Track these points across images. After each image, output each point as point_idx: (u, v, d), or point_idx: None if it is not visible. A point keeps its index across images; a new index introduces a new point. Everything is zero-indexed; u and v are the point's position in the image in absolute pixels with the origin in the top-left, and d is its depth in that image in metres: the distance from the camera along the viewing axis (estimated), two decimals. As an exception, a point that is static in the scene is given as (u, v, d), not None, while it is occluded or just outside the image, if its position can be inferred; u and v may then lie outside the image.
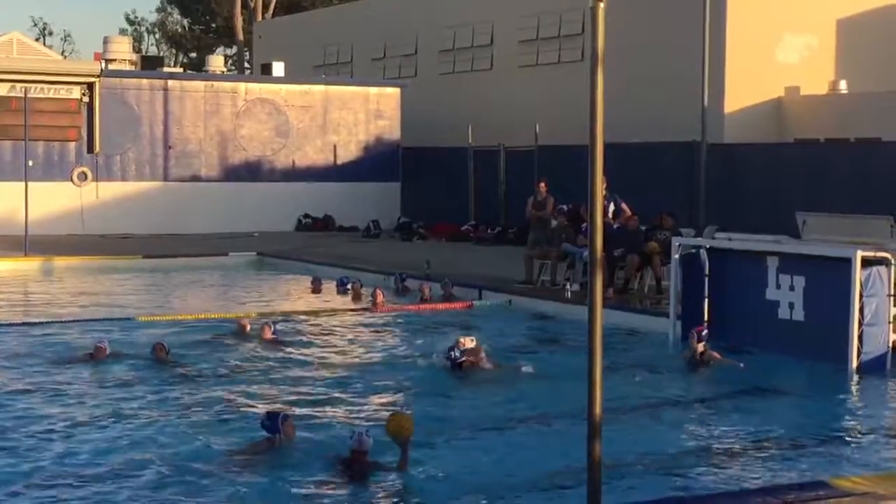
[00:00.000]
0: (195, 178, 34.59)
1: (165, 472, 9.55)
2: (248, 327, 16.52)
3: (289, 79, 37.08)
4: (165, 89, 34.30)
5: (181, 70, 48.22)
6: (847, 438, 11.22)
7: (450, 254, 27.70)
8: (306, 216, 35.67)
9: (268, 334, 15.86)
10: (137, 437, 10.68)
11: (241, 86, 36.06)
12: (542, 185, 22.59)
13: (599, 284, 5.28)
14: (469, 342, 13.66)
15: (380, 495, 9.11)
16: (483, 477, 9.54)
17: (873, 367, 13.92)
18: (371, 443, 9.47)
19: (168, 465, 9.72)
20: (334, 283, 22.44)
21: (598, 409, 5.32)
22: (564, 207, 21.62)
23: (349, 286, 21.65)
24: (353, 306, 20.24)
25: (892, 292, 14.13)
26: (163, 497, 8.98)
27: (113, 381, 13.40)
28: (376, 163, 36.72)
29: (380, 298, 19.97)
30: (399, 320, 18.83)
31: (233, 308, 19.98)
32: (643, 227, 20.73)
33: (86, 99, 32.91)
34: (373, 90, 37.48)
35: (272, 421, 10.06)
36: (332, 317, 18.99)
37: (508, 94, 36.29)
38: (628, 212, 20.66)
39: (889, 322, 14.08)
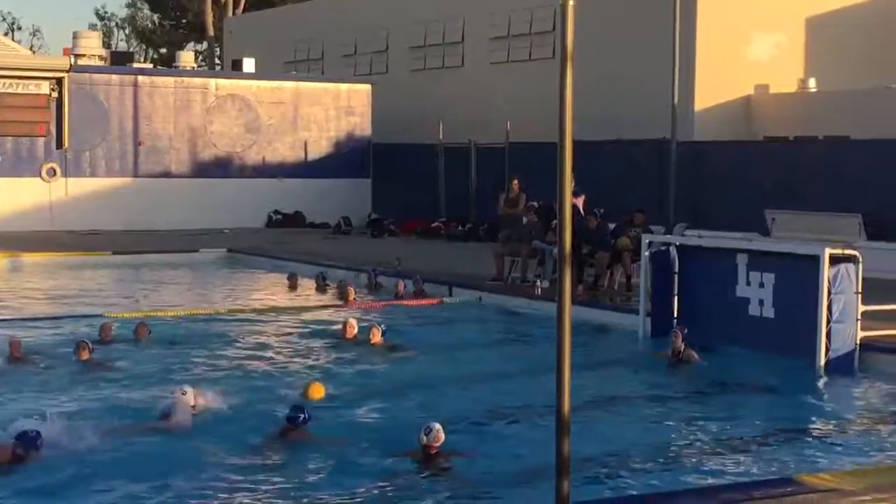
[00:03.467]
0: (165, 175, 34.44)
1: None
2: (355, 329, 15.83)
3: (259, 75, 36.98)
4: (135, 85, 34.13)
5: (151, 66, 48.00)
6: (814, 435, 11.29)
7: (420, 250, 27.70)
8: (277, 212, 35.58)
9: (377, 337, 15.35)
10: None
11: (212, 82, 35.92)
12: (515, 182, 22.60)
13: (569, 280, 5.29)
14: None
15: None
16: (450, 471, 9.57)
17: (841, 364, 14.00)
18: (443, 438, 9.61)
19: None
20: (313, 279, 22.37)
21: (566, 406, 5.33)
22: (535, 204, 21.63)
23: (328, 282, 21.66)
24: (326, 303, 20.19)
25: (859, 290, 14.21)
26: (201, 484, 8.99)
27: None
28: (347, 159, 36.66)
29: (351, 295, 19.96)
30: (370, 316, 18.80)
31: (203, 304, 19.94)
32: (612, 225, 20.78)
33: (55, 94, 32.71)
34: (343, 87, 37.41)
35: (296, 414, 10.33)
36: (303, 313, 18.93)
37: (479, 91, 36.30)
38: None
39: (857, 319, 14.16)
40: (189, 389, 11.37)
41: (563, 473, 5.43)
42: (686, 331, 14.61)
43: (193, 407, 11.14)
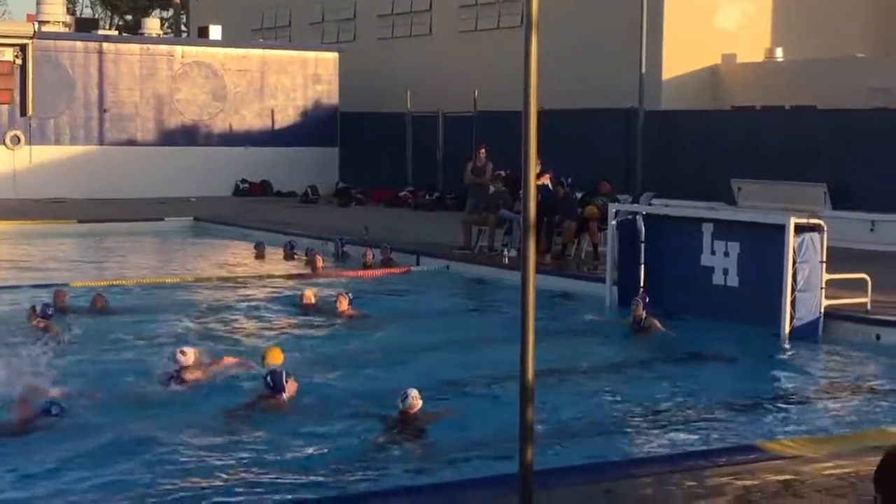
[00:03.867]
0: (131, 143, 34.22)
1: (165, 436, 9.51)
2: (312, 299, 15.96)
3: (226, 42, 36.73)
4: (100, 52, 33.84)
5: (116, 33, 47.57)
6: (778, 402, 11.37)
7: (388, 219, 27.67)
8: (244, 181, 35.43)
9: (344, 305, 15.32)
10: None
11: (178, 49, 35.65)
12: (482, 150, 22.59)
13: (532, 248, 5.28)
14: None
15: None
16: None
17: (805, 333, 14.10)
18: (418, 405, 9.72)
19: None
20: (280, 248, 22.31)
21: (530, 374, 5.34)
22: (502, 173, 21.63)
23: (296, 251, 21.62)
24: (293, 272, 20.14)
25: (824, 258, 14.30)
26: (171, 458, 9.00)
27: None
28: (314, 128, 36.52)
29: (319, 263, 19.92)
30: (339, 285, 18.77)
31: (169, 273, 19.87)
32: (579, 194, 20.82)
33: (18, 61, 32.40)
34: (311, 55, 37.22)
35: (276, 380, 10.33)
36: (271, 281, 18.88)
37: (447, 60, 36.20)
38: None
39: (821, 288, 14.26)
40: (189, 350, 11.49)
41: (526, 441, 5.45)
42: (647, 299, 14.69)
43: (196, 368, 11.27)
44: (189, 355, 11.36)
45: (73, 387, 10.93)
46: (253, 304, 16.83)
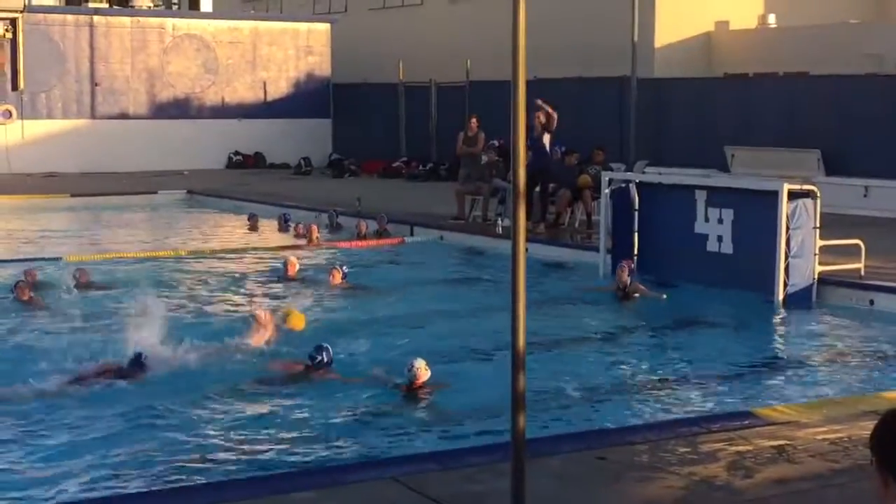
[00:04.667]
0: (123, 116, 34.13)
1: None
2: (296, 267, 16.07)
3: (217, 14, 36.74)
4: (91, 25, 33.71)
5: (107, 5, 47.37)
6: (772, 368, 11.40)
7: (381, 190, 27.65)
8: (237, 153, 35.38)
9: (337, 279, 15.36)
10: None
11: (169, 21, 35.53)
12: (474, 120, 22.53)
13: (523, 216, 5.27)
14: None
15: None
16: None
17: (799, 299, 14.12)
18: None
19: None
20: (275, 220, 22.29)
21: (521, 341, 5.33)
22: (495, 143, 21.59)
23: (290, 223, 21.62)
24: (288, 243, 20.12)
25: (817, 224, 14.30)
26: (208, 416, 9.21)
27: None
28: (307, 99, 36.43)
29: (315, 234, 19.94)
30: (336, 256, 18.76)
31: (165, 246, 19.86)
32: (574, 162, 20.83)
33: (9, 35, 32.27)
34: (303, 26, 37.10)
35: (320, 353, 10.45)
36: (265, 253, 18.86)
37: (439, 30, 36.08)
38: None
39: (815, 254, 14.26)
40: (263, 312, 11.95)
41: (518, 409, 5.45)
42: (633, 265, 14.74)
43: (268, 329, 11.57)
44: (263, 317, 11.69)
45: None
46: (245, 275, 16.83)
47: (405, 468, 7.33)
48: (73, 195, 26.79)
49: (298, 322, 12.17)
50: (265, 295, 15.27)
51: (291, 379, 10.43)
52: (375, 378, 10.34)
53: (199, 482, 7.65)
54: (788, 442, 7.86)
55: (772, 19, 30.30)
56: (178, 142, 34.11)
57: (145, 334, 10.88)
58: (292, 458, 8.36)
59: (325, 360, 10.49)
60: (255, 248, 19.45)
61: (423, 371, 9.86)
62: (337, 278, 15.29)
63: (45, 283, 15.12)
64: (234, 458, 8.34)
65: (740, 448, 7.69)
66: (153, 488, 7.53)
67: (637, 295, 14.39)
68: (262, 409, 9.66)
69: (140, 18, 35.11)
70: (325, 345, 10.67)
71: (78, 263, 16.62)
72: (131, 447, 8.55)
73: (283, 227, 21.86)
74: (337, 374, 10.51)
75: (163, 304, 12.43)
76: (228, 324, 12.88)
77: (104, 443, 8.67)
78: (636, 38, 26.43)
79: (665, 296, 14.51)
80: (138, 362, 10.31)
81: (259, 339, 11.44)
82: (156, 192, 27.63)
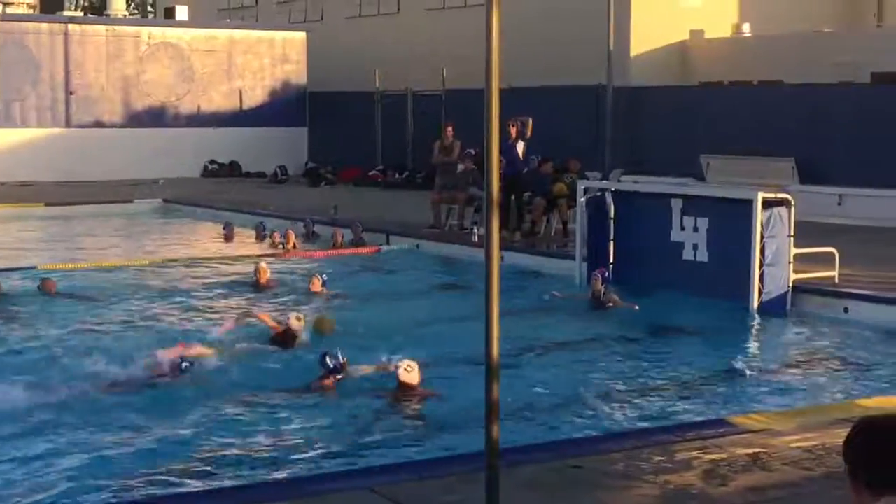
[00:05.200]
0: (98, 125, 33.99)
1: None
2: (268, 274, 16.17)
3: (193, 23, 36.53)
4: (66, 33, 33.58)
5: (82, 14, 47.26)
6: (747, 376, 11.39)
7: (357, 199, 27.62)
8: (213, 162, 35.29)
9: (317, 286, 15.39)
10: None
11: (144, 30, 35.43)
12: (449, 129, 22.55)
13: (496, 224, 5.27)
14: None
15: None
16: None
17: (774, 307, 14.17)
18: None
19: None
20: (251, 228, 22.21)
21: (495, 351, 5.33)
22: (472, 151, 21.59)
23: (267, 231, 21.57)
24: (264, 252, 20.06)
25: (791, 233, 14.36)
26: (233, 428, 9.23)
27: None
28: (283, 108, 36.39)
29: (292, 239, 19.90)
30: (312, 264, 18.72)
31: (139, 255, 19.78)
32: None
33: (-17, 43, 32.12)
34: (279, 35, 37.06)
35: (334, 361, 10.51)
36: (239, 262, 18.78)
37: (415, 38, 36.07)
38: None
39: (789, 262, 14.32)
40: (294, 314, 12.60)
41: (492, 418, 5.45)
42: (607, 274, 14.78)
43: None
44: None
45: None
46: (218, 284, 16.76)
47: (382, 478, 7.31)
48: (47, 204, 26.66)
49: (327, 328, 12.70)
50: (237, 302, 15.24)
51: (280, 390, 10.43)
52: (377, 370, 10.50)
53: (169, 492, 7.61)
54: (763, 450, 7.87)
55: (746, 28, 30.41)
56: (153, 150, 33.98)
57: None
58: (269, 468, 8.33)
59: (335, 366, 10.51)
60: (230, 258, 19.35)
61: (403, 372, 9.86)
62: (316, 286, 15.29)
63: (8, 294, 15.04)
64: (207, 469, 8.30)
65: (715, 456, 7.70)
66: (112, 500, 7.48)
67: (611, 305, 14.41)
68: (246, 417, 9.64)
69: (115, 27, 35.01)
70: (334, 352, 10.70)
71: (52, 273, 16.53)
72: (95, 456, 8.50)
73: (261, 235, 21.80)
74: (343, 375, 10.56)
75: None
76: (198, 329, 12.90)
77: (58, 453, 8.60)
78: (612, 47, 26.50)
79: (637, 307, 14.53)
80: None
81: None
82: (131, 201, 27.53)
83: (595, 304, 14.46)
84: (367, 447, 8.83)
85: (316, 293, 15.19)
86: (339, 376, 10.47)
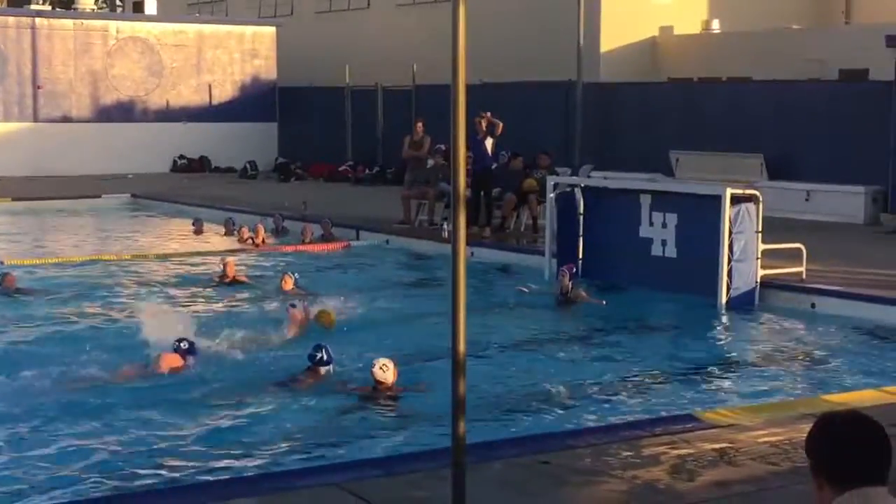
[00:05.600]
0: (66, 119, 33.78)
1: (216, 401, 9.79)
2: (234, 268, 16.12)
3: (162, 17, 36.39)
4: (33, 27, 33.34)
5: (49, 7, 46.94)
6: (714, 372, 11.45)
7: (327, 194, 27.56)
8: (182, 157, 35.12)
9: (289, 285, 15.30)
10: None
11: (113, 24, 35.22)
12: (420, 124, 22.52)
13: (462, 220, 5.26)
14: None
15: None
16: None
17: (742, 302, 14.22)
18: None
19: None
20: (219, 224, 22.11)
21: (461, 346, 5.32)
22: (442, 147, 21.57)
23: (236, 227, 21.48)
24: (234, 247, 19.97)
25: (759, 229, 14.42)
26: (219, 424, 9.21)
27: None
28: (252, 103, 36.25)
29: (261, 234, 19.86)
30: (279, 260, 18.67)
31: (107, 250, 19.67)
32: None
33: (-51, 37, 31.86)
34: (248, 29, 36.92)
35: (324, 353, 10.54)
36: (208, 258, 18.69)
37: (385, 34, 36.01)
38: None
39: (757, 258, 14.38)
40: (299, 304, 12.98)
41: (458, 414, 5.44)
42: (574, 269, 14.82)
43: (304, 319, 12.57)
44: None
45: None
46: (185, 278, 16.70)
47: (349, 474, 7.29)
48: (14, 199, 26.48)
49: (329, 320, 12.79)
50: (203, 297, 15.17)
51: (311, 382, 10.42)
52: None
53: (138, 490, 7.57)
54: (730, 445, 7.90)
55: (716, 25, 30.52)
56: (122, 145, 33.80)
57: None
58: (237, 465, 8.29)
59: (325, 357, 10.52)
60: (199, 253, 19.28)
61: (378, 370, 9.90)
62: (289, 284, 15.23)
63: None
64: (176, 463, 8.26)
65: (682, 451, 7.72)
66: (80, 498, 7.42)
67: (578, 300, 14.44)
68: (216, 413, 9.58)
69: (83, 21, 34.79)
70: (324, 344, 10.73)
71: (18, 267, 16.42)
72: (48, 454, 8.45)
73: (230, 231, 21.69)
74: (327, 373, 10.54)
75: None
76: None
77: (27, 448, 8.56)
78: (582, 43, 26.53)
79: (605, 302, 14.56)
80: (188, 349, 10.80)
81: (293, 332, 12.29)
82: (99, 196, 27.38)
83: (563, 300, 14.47)
84: (339, 444, 8.80)
85: (287, 291, 15.13)
86: (328, 368, 10.49)
